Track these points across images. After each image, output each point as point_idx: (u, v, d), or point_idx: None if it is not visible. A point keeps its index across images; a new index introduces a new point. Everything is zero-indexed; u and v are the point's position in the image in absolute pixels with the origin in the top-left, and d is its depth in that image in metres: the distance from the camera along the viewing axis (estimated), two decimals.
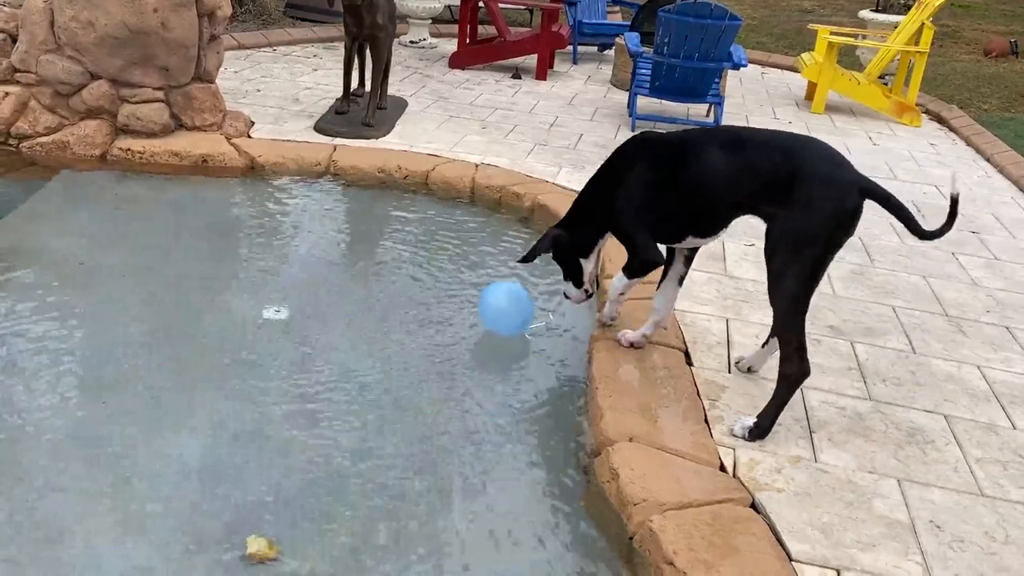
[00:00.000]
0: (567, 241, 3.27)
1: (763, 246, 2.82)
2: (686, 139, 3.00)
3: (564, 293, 3.45)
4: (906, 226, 2.74)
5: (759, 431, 2.80)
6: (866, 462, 2.75)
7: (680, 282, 3.27)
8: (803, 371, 2.78)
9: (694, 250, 3.23)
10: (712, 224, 2.99)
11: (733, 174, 2.80)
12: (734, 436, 2.81)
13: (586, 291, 3.40)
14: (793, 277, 2.71)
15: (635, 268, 3.17)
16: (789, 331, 2.76)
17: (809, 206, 2.66)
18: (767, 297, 2.86)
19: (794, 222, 2.69)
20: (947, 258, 4.53)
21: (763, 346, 3.14)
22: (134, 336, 3.32)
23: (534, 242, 3.36)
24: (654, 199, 2.98)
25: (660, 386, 3.04)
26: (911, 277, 4.25)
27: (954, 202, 2.73)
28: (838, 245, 2.73)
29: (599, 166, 3.23)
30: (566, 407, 3.12)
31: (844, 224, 2.68)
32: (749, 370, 3.17)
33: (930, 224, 2.76)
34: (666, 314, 3.29)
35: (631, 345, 3.27)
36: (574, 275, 3.36)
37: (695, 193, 2.89)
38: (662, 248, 3.13)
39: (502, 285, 3.55)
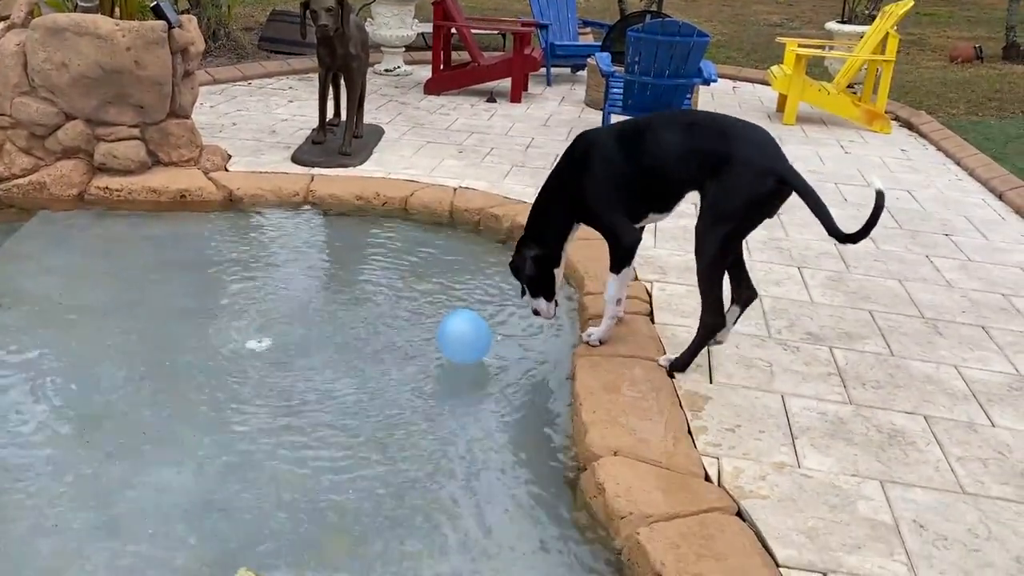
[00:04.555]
0: (543, 256, 3.33)
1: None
2: (640, 125, 3.23)
3: (534, 310, 3.49)
4: (823, 224, 2.91)
5: (679, 365, 3.25)
6: (849, 465, 2.78)
7: None
8: (718, 322, 3.20)
9: (642, 228, 3.44)
10: (667, 200, 3.23)
11: (683, 152, 3.07)
12: (660, 366, 3.25)
13: (555, 302, 3.48)
14: (710, 244, 3.05)
15: (621, 256, 3.30)
16: (707, 287, 3.12)
17: (730, 185, 2.97)
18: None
19: (716, 197, 3.01)
20: (922, 261, 4.60)
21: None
22: (116, 373, 3.32)
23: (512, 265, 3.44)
24: (620, 184, 3.19)
25: (643, 399, 3.06)
26: (887, 281, 4.31)
27: (879, 198, 2.85)
28: (757, 220, 3.08)
29: (549, 174, 3.40)
30: (550, 424, 3.14)
31: (758, 204, 3.00)
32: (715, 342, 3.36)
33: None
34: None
35: (600, 342, 3.40)
36: (546, 289, 3.43)
37: (653, 173, 3.14)
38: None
39: (456, 315, 3.45)
